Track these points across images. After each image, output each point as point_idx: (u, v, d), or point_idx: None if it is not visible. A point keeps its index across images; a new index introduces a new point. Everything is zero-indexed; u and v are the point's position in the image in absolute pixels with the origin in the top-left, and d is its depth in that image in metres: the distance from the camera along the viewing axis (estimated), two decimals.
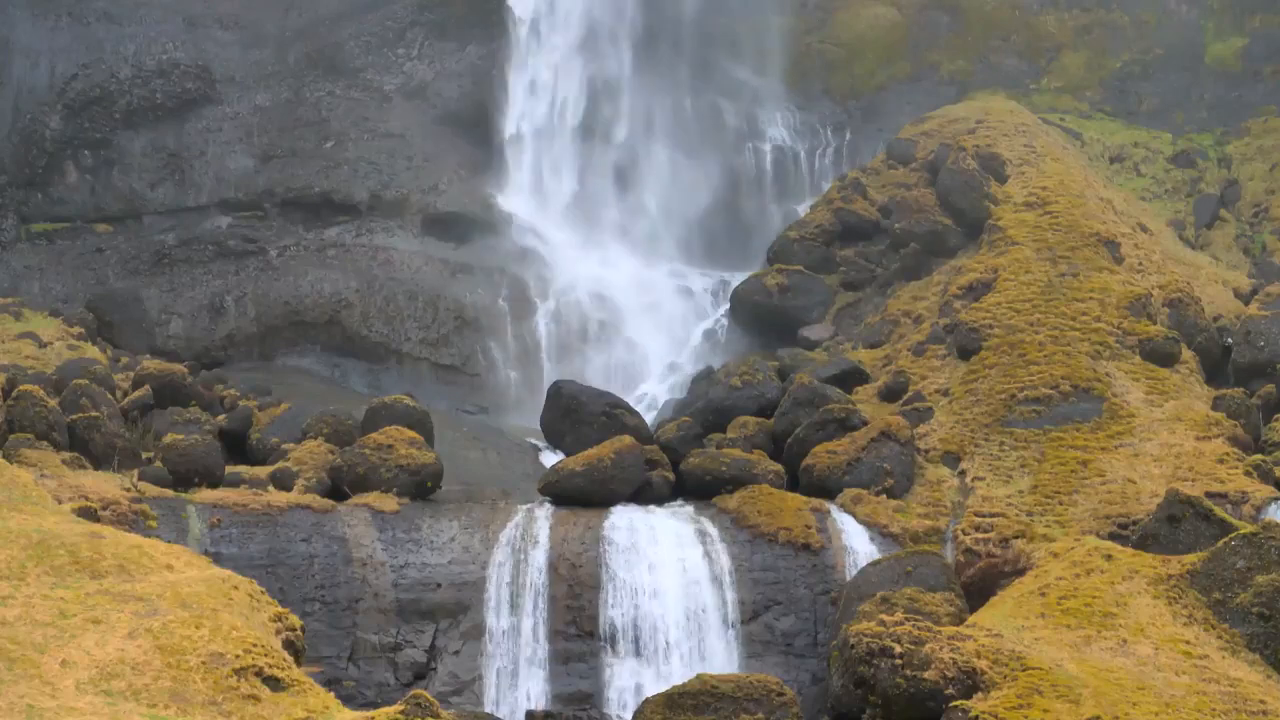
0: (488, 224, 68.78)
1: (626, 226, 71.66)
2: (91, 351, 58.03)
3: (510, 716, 43.69)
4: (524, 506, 47.25)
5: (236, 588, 35.34)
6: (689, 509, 47.85)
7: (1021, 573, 44.00)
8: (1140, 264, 57.96)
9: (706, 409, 53.63)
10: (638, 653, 44.43)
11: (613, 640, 44.54)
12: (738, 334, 64.40)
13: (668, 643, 44.49)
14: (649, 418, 56.09)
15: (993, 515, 47.19)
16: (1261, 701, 36.51)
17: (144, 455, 47.60)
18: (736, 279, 66.02)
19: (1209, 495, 45.51)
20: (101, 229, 67.48)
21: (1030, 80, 76.65)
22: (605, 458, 48.03)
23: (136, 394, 51.66)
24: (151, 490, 44.69)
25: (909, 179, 65.26)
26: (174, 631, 32.38)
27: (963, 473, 49.61)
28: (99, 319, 62.31)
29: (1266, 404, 51.63)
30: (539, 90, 73.18)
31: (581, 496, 47.46)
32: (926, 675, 36.11)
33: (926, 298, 58.98)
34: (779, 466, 49.59)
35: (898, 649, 36.54)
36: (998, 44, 78.11)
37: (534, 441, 57.58)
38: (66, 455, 45.70)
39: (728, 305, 65.35)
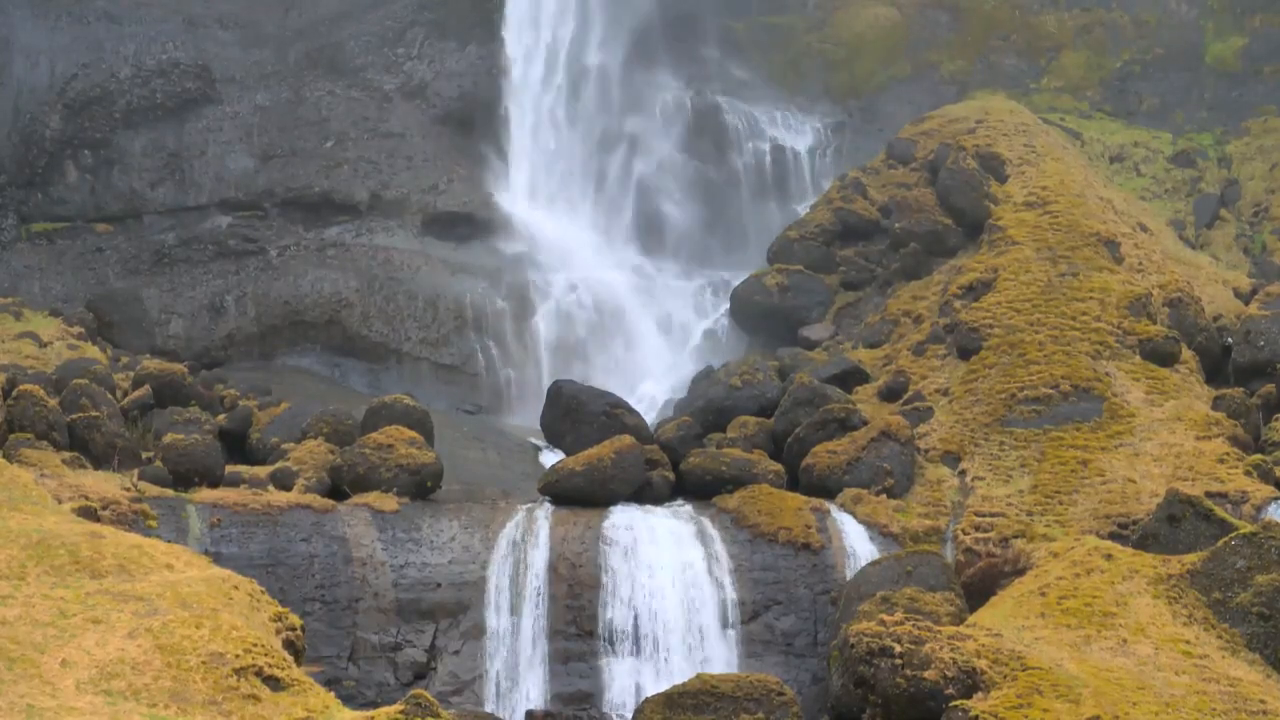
0: (488, 224, 68.82)
1: (626, 226, 71.68)
2: (91, 351, 58.04)
3: (510, 716, 43.70)
4: (524, 506, 47.26)
5: (236, 587, 35.34)
6: (689, 509, 47.86)
7: (1021, 572, 44.00)
8: (1140, 264, 57.96)
9: (706, 409, 53.63)
10: (637, 653, 44.43)
11: (612, 640, 44.54)
12: (738, 334, 64.42)
13: (668, 643, 44.49)
14: (649, 418, 56.08)
15: (993, 515, 47.20)
16: (1261, 701, 36.51)
17: (144, 455, 47.59)
18: (736, 279, 66.00)
19: (1209, 495, 45.49)
20: (101, 229, 67.48)
21: (1030, 80, 76.68)
22: (605, 457, 48.02)
23: (136, 394, 51.66)
24: (151, 490, 44.68)
25: (909, 179, 65.25)
26: (174, 631, 32.37)
27: (963, 472, 49.61)
28: (99, 319, 62.34)
29: (1266, 404, 51.62)
30: (539, 90, 73.19)
31: (581, 496, 47.46)
32: (926, 675, 36.11)
33: (926, 297, 58.97)
34: (779, 466, 49.60)
35: (898, 649, 36.54)
36: (998, 44, 78.13)
37: (534, 441, 57.59)
38: (66, 455, 45.68)
39: (728, 305, 65.34)
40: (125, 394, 52.03)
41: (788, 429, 51.21)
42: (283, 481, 46.91)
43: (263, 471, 47.66)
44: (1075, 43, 77.72)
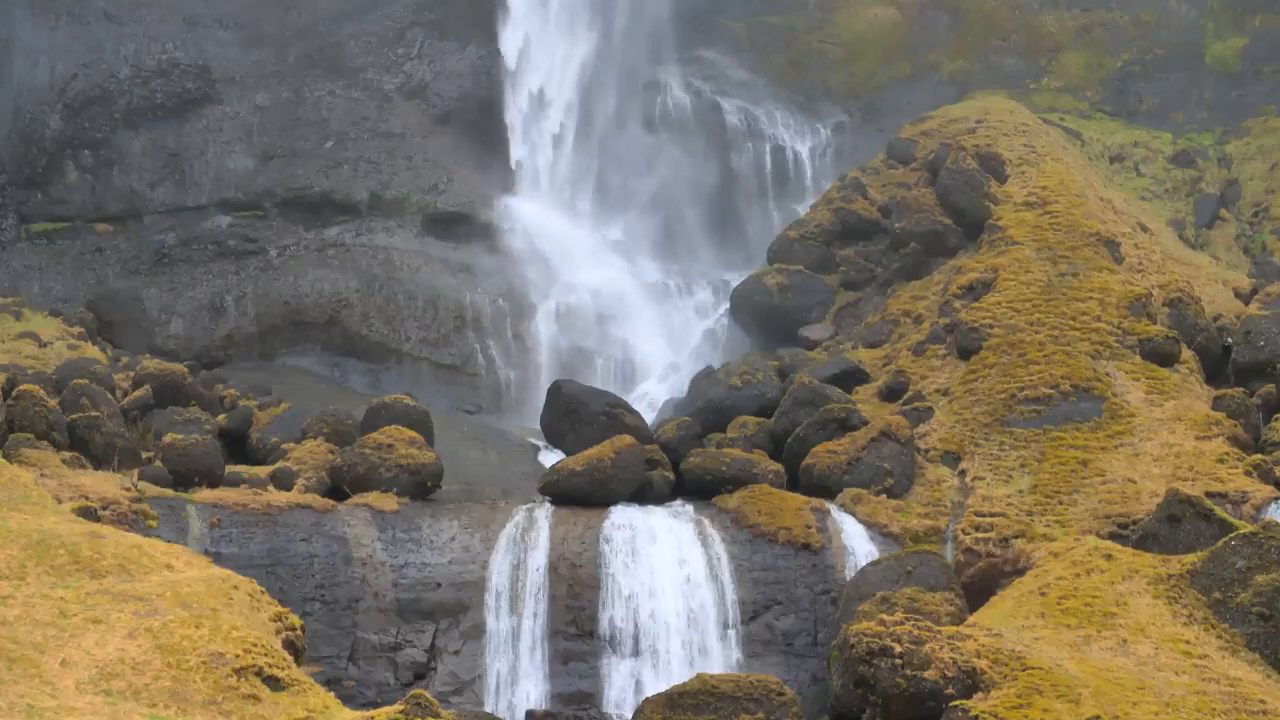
0: (488, 224, 68.81)
1: (626, 226, 71.70)
2: (91, 351, 58.06)
3: (510, 716, 43.70)
4: (524, 506, 47.27)
5: (236, 587, 35.34)
6: (689, 509, 47.86)
7: (1021, 572, 44.00)
8: (1140, 264, 57.95)
9: (706, 409, 53.64)
10: (637, 652, 44.43)
11: (612, 640, 44.54)
12: (738, 334, 64.40)
13: (668, 643, 44.49)
14: (649, 418, 56.10)
15: (993, 515, 47.20)
16: (1261, 701, 36.52)
17: (144, 455, 47.60)
18: (736, 279, 65.99)
19: (1209, 495, 45.50)
20: (101, 229, 67.50)
21: (1030, 80, 76.67)
22: (605, 457, 48.03)
23: (136, 394, 51.67)
24: (151, 490, 44.68)
25: (909, 179, 65.23)
26: (174, 631, 32.38)
27: (963, 472, 49.61)
28: (99, 319, 62.37)
29: (1266, 404, 51.61)
30: (539, 90, 73.22)
31: (581, 496, 47.47)
32: (926, 675, 36.10)
33: (926, 297, 58.96)
34: (779, 466, 49.60)
35: (898, 649, 36.53)
36: (998, 44, 78.14)
37: (534, 441, 57.60)
38: (66, 455, 45.69)
39: (728, 305, 65.34)
40: (125, 394, 52.04)
41: (788, 429, 51.22)
42: (283, 481, 46.91)
43: (263, 471, 47.67)
44: (1075, 43, 77.72)
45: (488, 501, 48.00)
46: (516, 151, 71.61)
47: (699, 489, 48.91)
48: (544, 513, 46.71)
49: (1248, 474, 47.53)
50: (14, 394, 46.98)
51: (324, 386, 62.55)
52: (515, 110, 72.05)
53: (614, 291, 68.24)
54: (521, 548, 45.50)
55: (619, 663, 44.35)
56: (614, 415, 51.31)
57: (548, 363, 65.79)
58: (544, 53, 74.03)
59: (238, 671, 31.58)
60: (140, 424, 50.39)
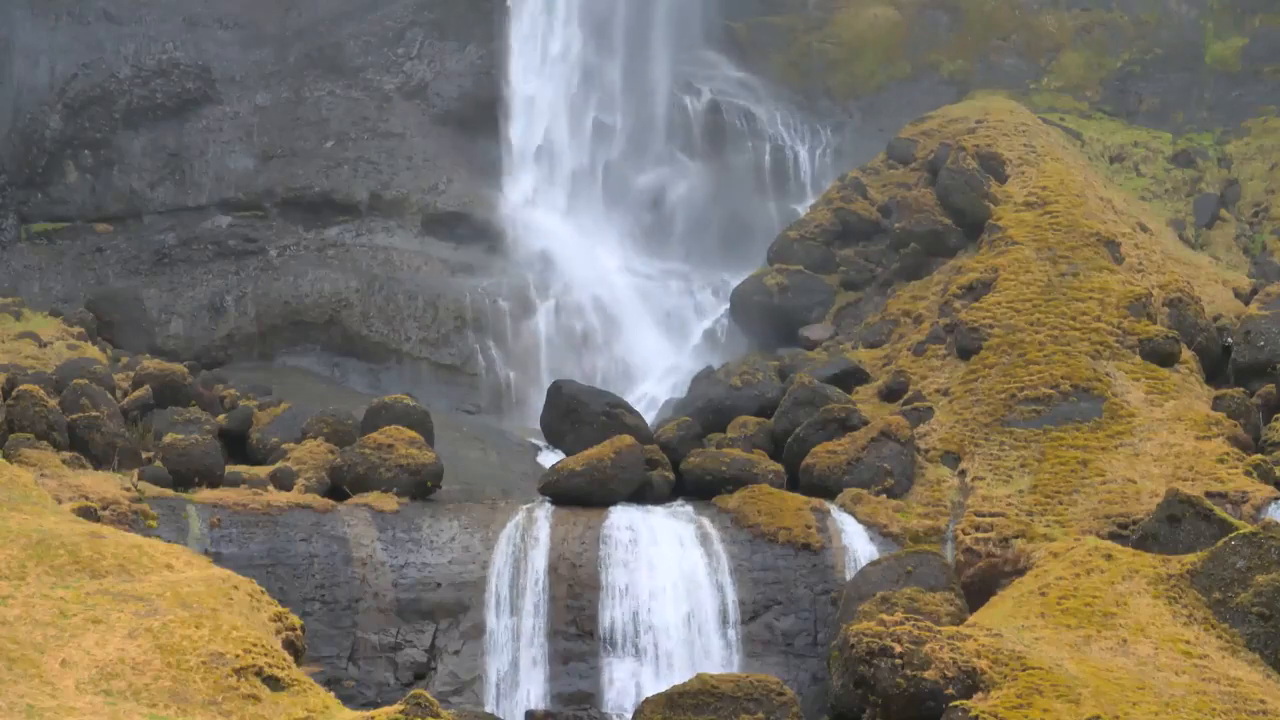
0: (488, 224, 68.83)
1: (627, 226, 71.69)
2: (91, 351, 58.06)
3: (510, 716, 43.70)
4: (524, 506, 47.27)
5: (236, 587, 35.35)
6: (689, 509, 47.87)
7: (1021, 572, 44.01)
8: (1140, 264, 57.96)
9: (706, 409, 53.65)
10: (637, 653, 44.43)
11: (612, 640, 44.54)
12: (738, 334, 64.40)
13: (668, 643, 44.49)
14: (649, 418, 56.10)
15: (993, 515, 47.20)
16: (1261, 701, 36.52)
17: (144, 455, 47.60)
18: (736, 279, 66.00)
19: (1209, 495, 45.50)
20: (101, 229, 67.50)
21: (1030, 80, 76.67)
22: (605, 457, 48.03)
23: (136, 394, 51.67)
24: (151, 490, 44.69)
25: (909, 179, 65.24)
26: (174, 631, 32.38)
27: (963, 472, 49.61)
28: (99, 319, 62.36)
29: (1266, 404, 51.61)
30: (538, 90, 73.22)
31: (581, 496, 47.47)
32: (926, 675, 36.10)
33: (926, 298, 58.96)
34: (779, 466, 49.60)
35: (898, 649, 36.53)
36: (998, 44, 78.16)
37: (534, 441, 57.60)
38: (66, 455, 45.69)
39: (728, 305, 65.35)
40: (125, 394, 52.04)
41: (788, 429, 51.22)
42: (283, 481, 46.92)
43: (263, 471, 47.67)
44: (1075, 43, 77.73)
45: (488, 501, 48.01)
46: (516, 151, 71.60)
47: (699, 489, 48.92)
48: (544, 513, 46.71)
49: (1248, 474, 47.54)
50: (14, 394, 46.99)
51: (324, 386, 62.56)
52: (515, 110, 72.04)
53: (614, 291, 68.25)
54: (521, 548, 45.51)
55: (619, 663, 44.35)
56: (614, 415, 51.31)
57: (548, 363, 65.78)
58: (544, 52, 74.02)
59: (238, 671, 31.58)
60: (140, 424, 50.40)
